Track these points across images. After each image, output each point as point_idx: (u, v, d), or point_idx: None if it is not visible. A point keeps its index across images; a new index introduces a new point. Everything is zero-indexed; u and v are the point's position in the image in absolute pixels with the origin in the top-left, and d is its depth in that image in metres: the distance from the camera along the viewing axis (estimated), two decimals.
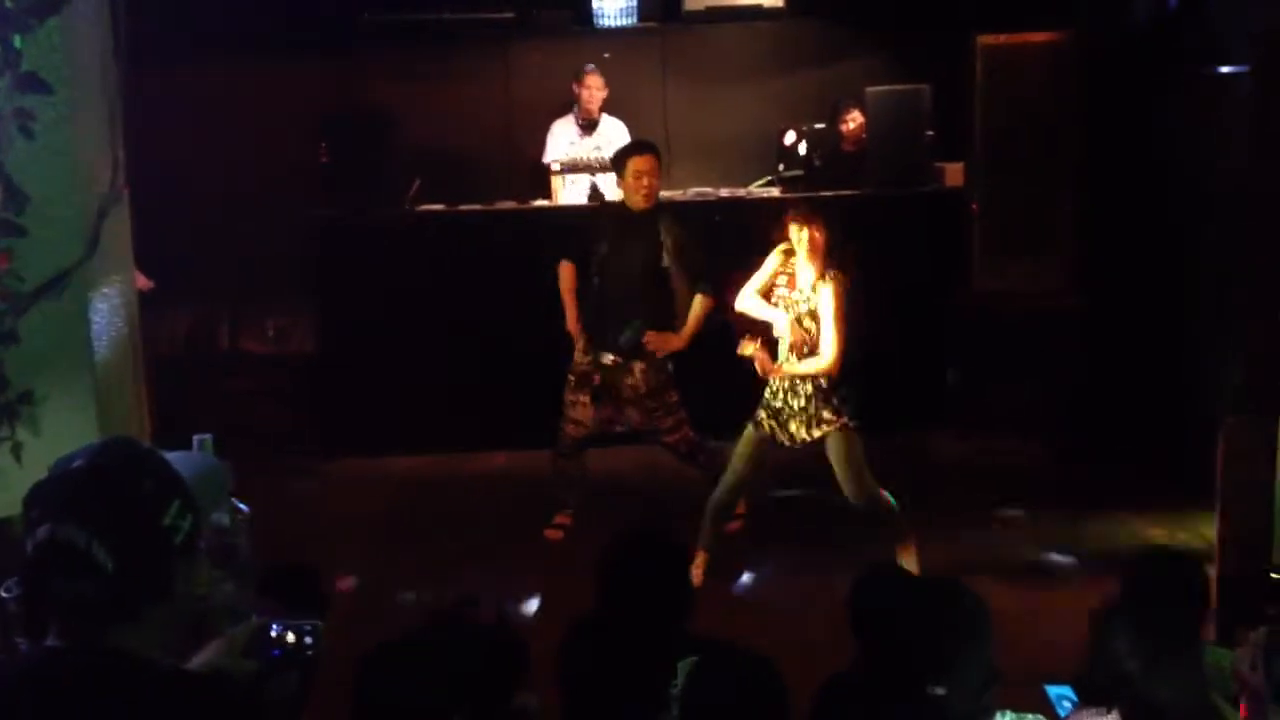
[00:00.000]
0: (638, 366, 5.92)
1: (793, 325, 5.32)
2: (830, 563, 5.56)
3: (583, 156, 7.93)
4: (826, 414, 5.35)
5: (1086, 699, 2.90)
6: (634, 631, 3.13)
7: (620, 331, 5.90)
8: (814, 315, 5.30)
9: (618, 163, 6.03)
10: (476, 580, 5.61)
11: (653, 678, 2.69)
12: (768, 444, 5.46)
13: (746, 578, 5.69)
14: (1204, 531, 5.09)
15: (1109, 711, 2.74)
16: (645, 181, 5.88)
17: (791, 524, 6.16)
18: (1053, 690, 3.23)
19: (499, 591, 5.36)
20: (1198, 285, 6.51)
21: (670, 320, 5.95)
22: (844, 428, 5.36)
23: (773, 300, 5.39)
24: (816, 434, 5.37)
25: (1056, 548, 5.87)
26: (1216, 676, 3.00)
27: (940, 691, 2.58)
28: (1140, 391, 6.80)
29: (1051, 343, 7.23)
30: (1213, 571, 4.72)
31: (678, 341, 5.93)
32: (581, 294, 6.05)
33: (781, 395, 5.39)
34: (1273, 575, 4.66)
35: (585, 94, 7.95)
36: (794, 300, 5.35)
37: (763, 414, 5.43)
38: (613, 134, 8.04)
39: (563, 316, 6.08)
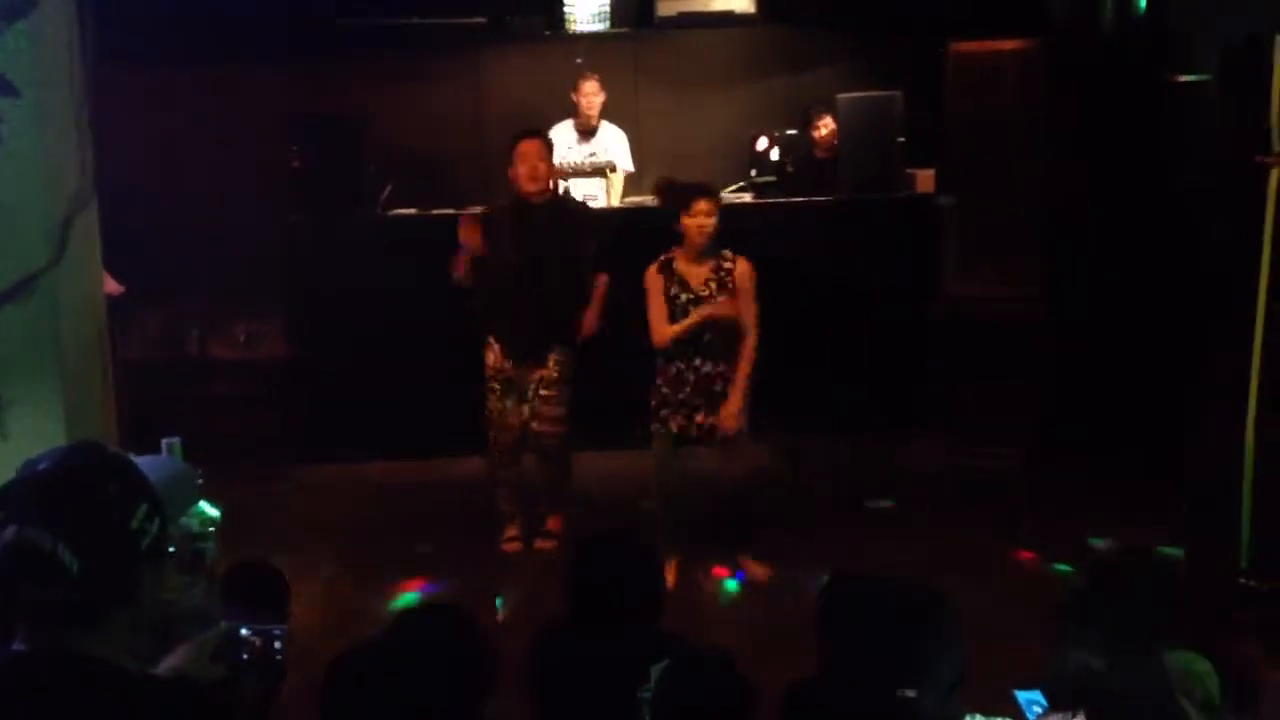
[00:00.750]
0: (552, 358, 5.93)
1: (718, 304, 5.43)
2: (801, 564, 5.58)
3: (575, 162, 7.92)
4: (740, 412, 5.46)
5: (1055, 703, 2.91)
6: (605, 634, 3.13)
7: (534, 341, 5.88)
8: (728, 290, 5.43)
9: (509, 151, 5.98)
10: (449, 585, 5.61)
11: (624, 681, 2.69)
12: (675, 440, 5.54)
13: (717, 581, 5.69)
14: (1177, 533, 5.11)
15: (1075, 714, 2.75)
16: (529, 165, 5.84)
17: (762, 527, 6.16)
18: (1022, 695, 3.24)
19: (470, 596, 5.35)
20: (1169, 289, 6.55)
21: (583, 307, 5.99)
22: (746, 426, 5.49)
23: (670, 319, 5.43)
24: (708, 422, 5.47)
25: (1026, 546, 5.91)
26: (1183, 678, 3.02)
27: (911, 694, 2.58)
28: (1114, 394, 6.85)
29: (1024, 346, 7.27)
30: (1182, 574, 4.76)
31: (590, 325, 5.99)
32: (485, 296, 5.99)
33: (689, 388, 5.44)
34: (1241, 580, 4.69)
35: (584, 101, 7.95)
36: (705, 298, 5.42)
37: (666, 411, 5.48)
38: (611, 141, 8.03)
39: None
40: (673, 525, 5.56)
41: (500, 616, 5.27)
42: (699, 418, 5.47)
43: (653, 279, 5.50)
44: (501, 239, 5.89)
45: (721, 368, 5.46)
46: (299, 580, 5.10)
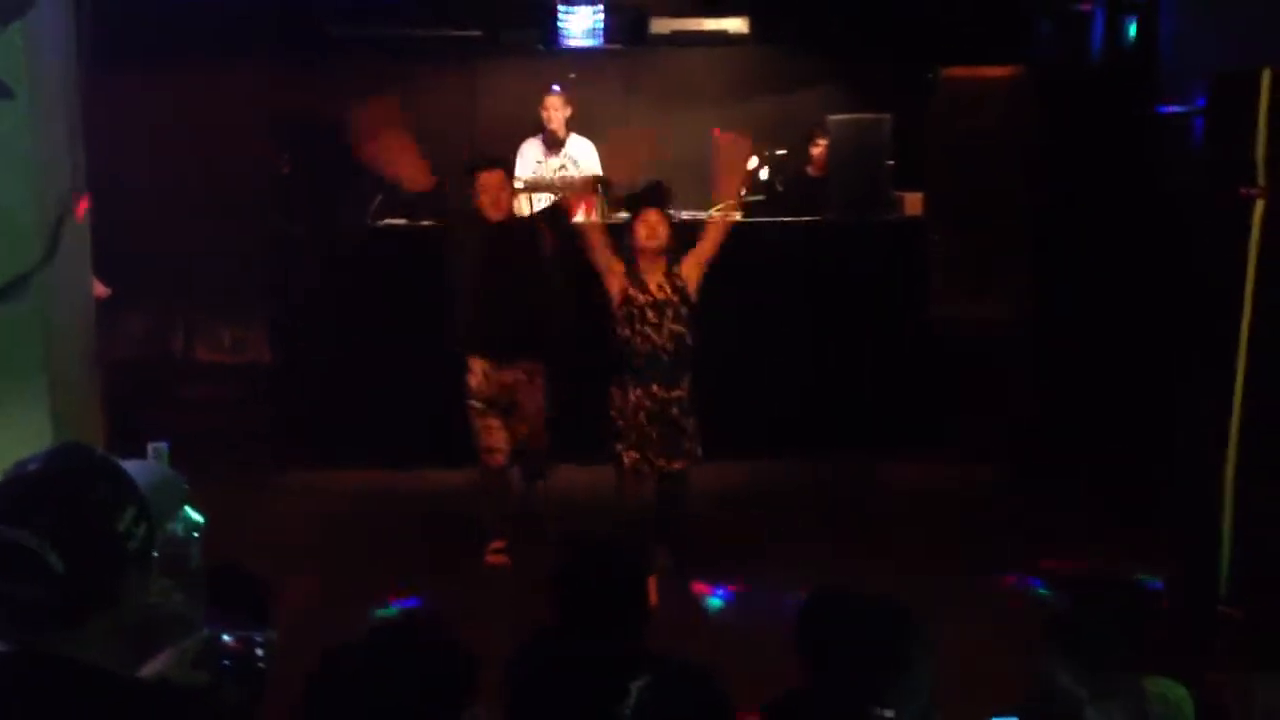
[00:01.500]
0: (530, 368, 6.00)
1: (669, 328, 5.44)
2: (780, 582, 5.59)
3: (547, 176, 7.96)
4: (686, 444, 5.47)
5: None
6: (588, 645, 3.13)
7: (508, 342, 5.91)
8: (681, 304, 5.43)
9: (467, 175, 6.06)
10: (427, 595, 5.61)
11: (606, 693, 2.69)
12: (639, 472, 5.53)
13: (699, 597, 5.69)
14: (1159, 559, 5.14)
15: None
16: (491, 195, 5.93)
17: (742, 544, 6.18)
18: None
19: (449, 606, 5.34)
20: (1154, 313, 6.60)
21: (553, 318, 6.01)
22: (698, 460, 5.49)
23: (634, 326, 5.43)
24: (677, 466, 5.47)
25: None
26: (1161, 707, 3.04)
27: (888, 714, 2.60)
28: (1097, 418, 6.88)
29: (1009, 367, 7.31)
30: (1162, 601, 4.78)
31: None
32: (458, 312, 6.03)
33: (643, 414, 5.43)
34: (1220, 608, 4.71)
35: (545, 115, 8.01)
36: (660, 301, 5.42)
37: (619, 445, 5.49)
38: (580, 153, 8.07)
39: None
40: (647, 543, 5.55)
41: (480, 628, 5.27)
42: (650, 454, 5.46)
43: (619, 265, 5.51)
44: (467, 254, 5.95)
45: (676, 393, 5.46)
46: (279, 587, 5.10)
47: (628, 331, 5.43)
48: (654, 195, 5.51)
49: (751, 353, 6.91)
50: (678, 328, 5.44)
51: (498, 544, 6.09)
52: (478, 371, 5.98)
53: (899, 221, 7.63)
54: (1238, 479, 4.66)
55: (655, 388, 5.41)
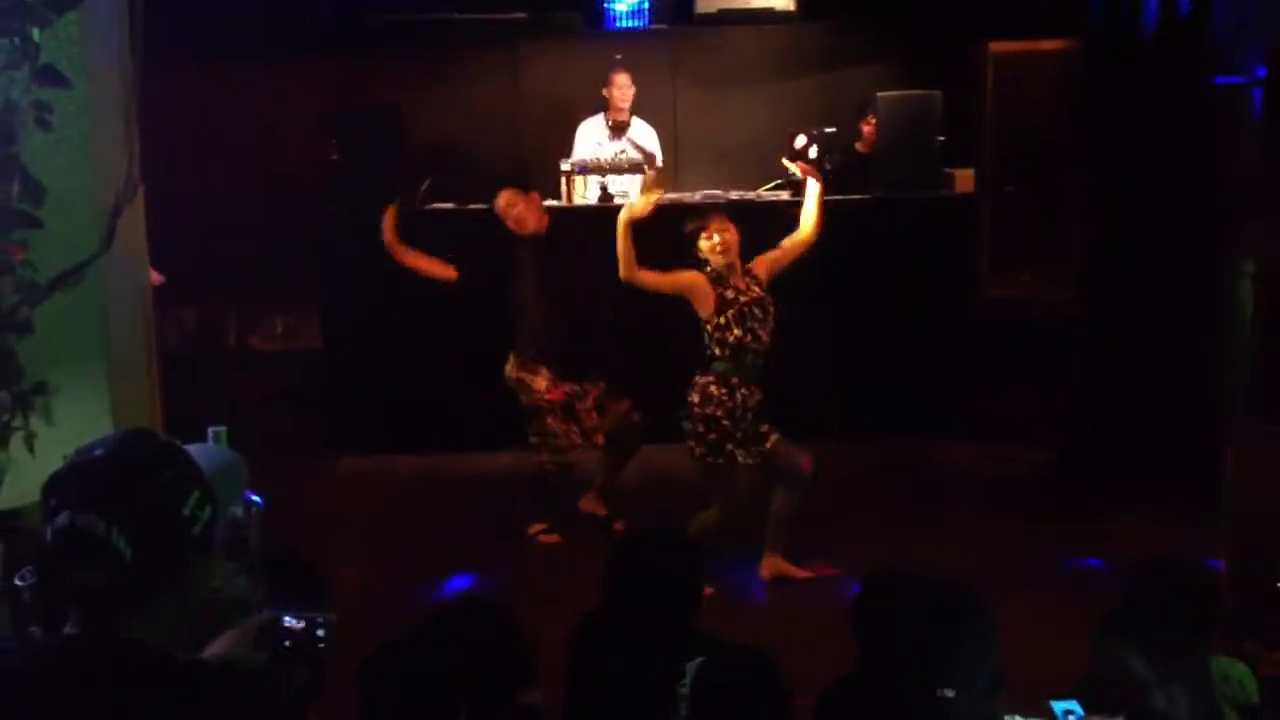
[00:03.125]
0: (595, 372, 6.06)
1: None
2: (836, 564, 5.58)
3: (606, 158, 7.92)
4: (764, 426, 5.38)
5: (1092, 708, 2.90)
6: (643, 629, 3.14)
7: (577, 347, 5.98)
8: (768, 301, 5.39)
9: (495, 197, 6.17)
10: (481, 577, 5.64)
11: (662, 675, 2.70)
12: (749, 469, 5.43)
13: (755, 579, 5.68)
14: (1213, 540, 5.08)
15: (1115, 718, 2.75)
16: (511, 217, 6.07)
17: (797, 527, 6.16)
18: (1058, 706, 3.22)
19: (504, 588, 5.37)
20: (1206, 293, 6.51)
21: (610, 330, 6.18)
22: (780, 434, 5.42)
23: (746, 325, 5.34)
24: (766, 447, 5.37)
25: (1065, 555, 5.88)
26: (1224, 686, 3.01)
27: (949, 694, 2.59)
28: (1149, 399, 6.80)
29: (1060, 347, 7.24)
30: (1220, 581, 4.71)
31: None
32: (521, 324, 6.10)
33: (749, 415, 5.35)
34: (1279, 585, 4.65)
35: (618, 94, 7.88)
36: (756, 299, 5.38)
37: (730, 445, 5.32)
38: (642, 137, 8.00)
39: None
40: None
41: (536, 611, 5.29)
42: (745, 450, 5.36)
43: (695, 275, 5.39)
44: (521, 269, 6.06)
45: (759, 396, 5.41)
46: (334, 571, 5.14)
47: (739, 331, 5.31)
48: (714, 209, 5.49)
49: (798, 333, 6.87)
50: (772, 324, 5.40)
51: (541, 526, 6.11)
52: (544, 375, 6.02)
53: (949, 199, 7.56)
54: None
55: (754, 386, 5.37)
